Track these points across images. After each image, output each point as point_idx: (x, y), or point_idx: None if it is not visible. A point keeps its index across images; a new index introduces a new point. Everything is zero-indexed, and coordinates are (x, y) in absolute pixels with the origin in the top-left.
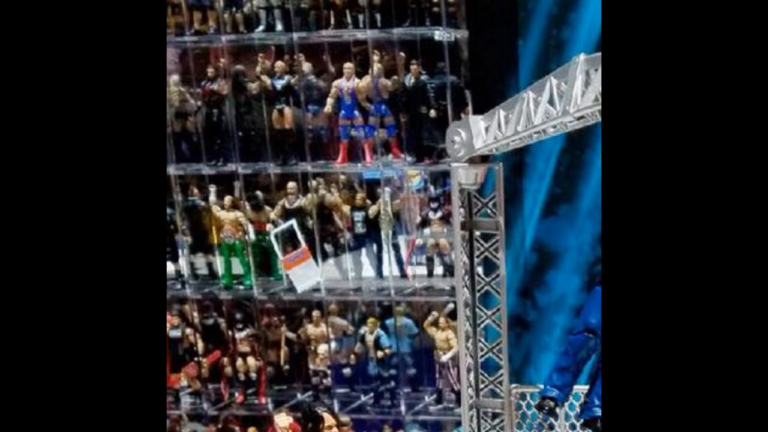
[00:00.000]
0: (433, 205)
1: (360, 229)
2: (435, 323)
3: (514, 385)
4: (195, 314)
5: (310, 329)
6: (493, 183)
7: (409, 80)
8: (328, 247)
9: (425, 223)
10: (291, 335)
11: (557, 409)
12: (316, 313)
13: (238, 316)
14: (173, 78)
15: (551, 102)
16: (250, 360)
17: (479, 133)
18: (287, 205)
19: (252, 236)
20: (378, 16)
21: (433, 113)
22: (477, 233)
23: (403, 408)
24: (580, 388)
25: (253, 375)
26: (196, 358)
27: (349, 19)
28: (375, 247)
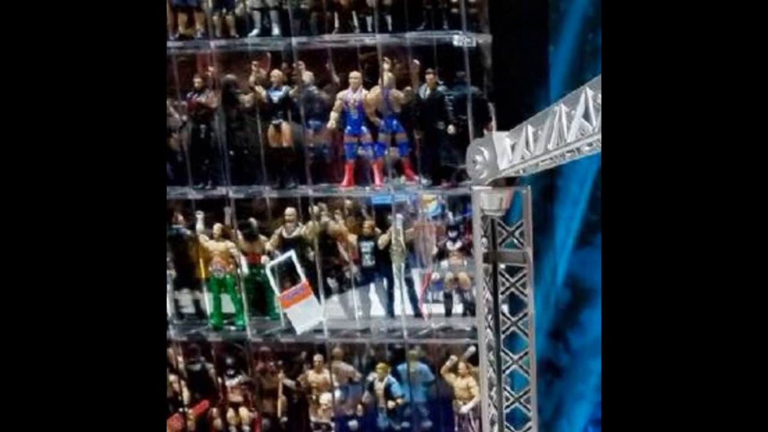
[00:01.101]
0: (452, 234)
1: (368, 261)
2: (454, 369)
3: None
4: (180, 359)
5: (311, 376)
6: (520, 209)
7: (425, 91)
8: (331, 282)
9: (443, 254)
10: (289, 383)
11: None
12: (318, 358)
13: (229, 361)
14: None
15: (586, 116)
16: (243, 411)
17: (504, 151)
18: (285, 234)
19: (245, 270)
20: (389, 19)
21: (451, 129)
22: (502, 266)
23: None
24: None
25: (246, 428)
26: (181, 409)
27: (355, 22)
28: (385, 282)
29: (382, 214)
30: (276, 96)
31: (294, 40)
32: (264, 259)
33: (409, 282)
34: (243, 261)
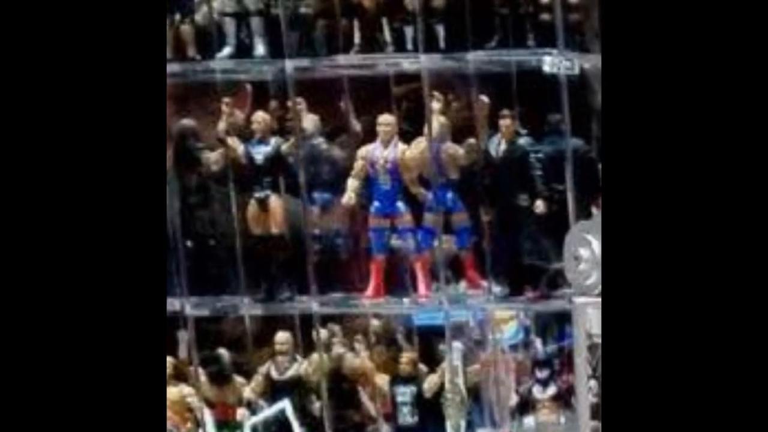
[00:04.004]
0: (541, 373)
1: (407, 417)
2: None
3: None
4: None
5: None
6: None
7: (498, 146)
8: None
9: (527, 405)
10: None
11: None
12: None
13: None
14: None
15: None
16: None
17: None
18: (275, 375)
19: (211, 430)
20: (440, 30)
21: (540, 206)
22: None
23: None
24: None
25: None
26: None
27: (387, 36)
28: None
29: (429, 341)
30: (260, 153)
31: (289, 65)
32: (241, 413)
33: None
34: (208, 416)
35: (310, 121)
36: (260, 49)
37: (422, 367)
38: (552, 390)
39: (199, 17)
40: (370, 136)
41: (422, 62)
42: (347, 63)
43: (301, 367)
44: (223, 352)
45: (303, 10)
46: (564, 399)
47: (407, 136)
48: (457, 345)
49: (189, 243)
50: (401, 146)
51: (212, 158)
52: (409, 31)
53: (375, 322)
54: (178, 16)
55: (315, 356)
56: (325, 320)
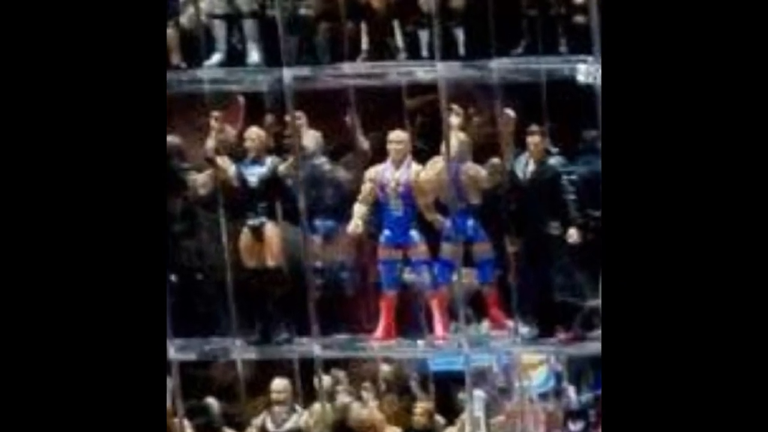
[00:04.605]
0: (575, 426)
1: None
2: None
3: None
4: None
5: None
6: None
7: (525, 166)
8: None
9: None
10: None
11: None
12: None
13: None
14: None
15: None
16: None
17: None
18: (271, 427)
19: None
20: (459, 35)
21: (573, 235)
22: None
23: None
24: None
25: None
26: None
27: (398, 40)
28: None
29: (447, 389)
30: (254, 175)
31: (287, 74)
32: None
33: None
34: None
35: (311, 138)
36: (254, 55)
37: (439, 419)
38: None
39: (184, 20)
40: (379, 155)
41: (439, 71)
42: (353, 72)
43: (301, 418)
44: (212, 401)
45: (303, 11)
46: None
47: (422, 155)
48: (479, 393)
49: (173, 277)
50: (415, 167)
51: (199, 180)
52: (424, 36)
53: (385, 368)
54: None
55: (317, 406)
56: (329, 365)
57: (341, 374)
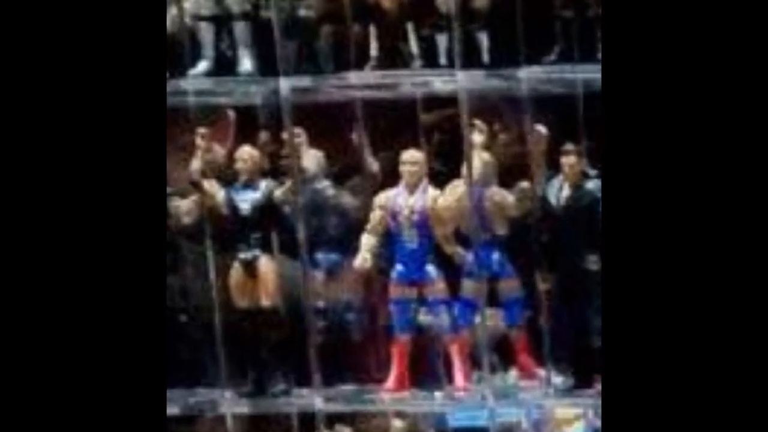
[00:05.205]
0: None
1: None
2: None
3: None
4: None
5: None
6: None
7: (559, 191)
8: None
9: None
10: None
11: None
12: None
13: None
14: None
15: None
16: None
17: None
18: None
19: None
20: (483, 39)
21: None
22: None
23: None
24: None
25: None
26: None
27: (413, 47)
28: None
29: None
30: (247, 201)
31: (285, 84)
32: None
33: None
34: None
35: (311, 159)
36: (246, 63)
37: None
38: None
39: (167, 22)
40: (390, 178)
41: (459, 81)
42: (361, 82)
43: None
44: None
45: (303, 12)
46: None
47: (440, 178)
48: None
49: None
50: (432, 192)
51: (183, 207)
52: (442, 41)
53: (398, 423)
54: None
55: None
56: (332, 420)
57: (347, 431)
